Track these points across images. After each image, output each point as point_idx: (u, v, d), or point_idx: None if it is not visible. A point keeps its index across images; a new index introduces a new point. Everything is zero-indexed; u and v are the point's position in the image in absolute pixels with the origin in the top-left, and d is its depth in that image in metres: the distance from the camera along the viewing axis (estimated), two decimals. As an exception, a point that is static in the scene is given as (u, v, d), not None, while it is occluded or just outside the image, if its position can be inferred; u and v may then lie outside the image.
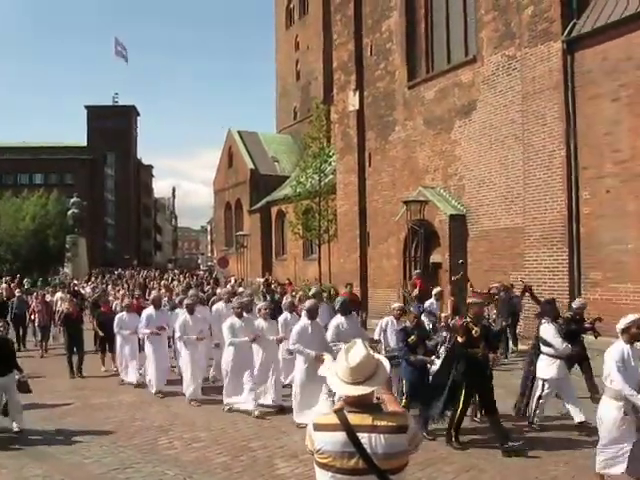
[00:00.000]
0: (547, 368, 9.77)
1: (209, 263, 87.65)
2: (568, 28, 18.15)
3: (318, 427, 3.50)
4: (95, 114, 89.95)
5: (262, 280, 32.07)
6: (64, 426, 10.41)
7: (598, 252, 17.70)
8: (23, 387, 10.30)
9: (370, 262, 27.60)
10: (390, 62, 26.25)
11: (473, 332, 9.01)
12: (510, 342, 17.16)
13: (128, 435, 9.92)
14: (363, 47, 27.94)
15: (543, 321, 10.15)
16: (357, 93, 27.99)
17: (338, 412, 3.47)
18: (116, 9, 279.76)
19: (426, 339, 10.31)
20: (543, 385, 9.84)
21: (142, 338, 14.37)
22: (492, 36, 21.14)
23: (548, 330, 9.88)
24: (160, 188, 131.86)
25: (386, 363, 3.67)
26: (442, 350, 10.54)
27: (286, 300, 14.91)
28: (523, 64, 19.56)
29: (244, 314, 11.88)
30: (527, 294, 14.09)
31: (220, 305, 15.14)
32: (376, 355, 3.65)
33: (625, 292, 16.83)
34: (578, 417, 9.51)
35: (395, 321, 11.84)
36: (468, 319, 9.23)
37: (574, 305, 12.21)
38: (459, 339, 9.19)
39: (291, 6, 57.09)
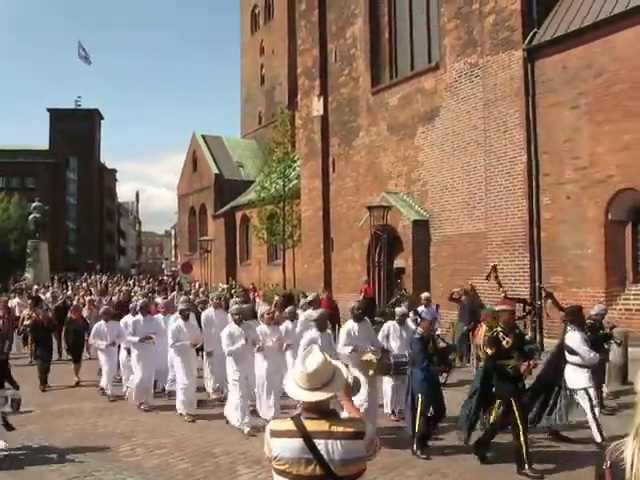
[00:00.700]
0: (577, 378, 9.25)
1: (173, 268, 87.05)
2: (529, 37, 18.44)
3: (275, 433, 3.47)
4: (58, 117, 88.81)
5: (226, 286, 31.94)
6: (24, 434, 10.19)
7: (558, 257, 17.97)
8: (14, 406, 9.33)
9: (334, 267, 27.70)
10: (354, 68, 26.41)
11: (504, 342, 8.39)
12: (472, 347, 17.30)
13: (89, 442, 9.77)
14: (327, 53, 28.09)
15: (569, 328, 9.66)
16: (321, 99, 28.11)
17: (295, 418, 3.45)
18: (80, 11, 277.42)
19: (439, 347, 9.88)
20: (587, 394, 9.14)
21: (128, 347, 13.21)
22: (455, 44, 21.37)
23: (574, 338, 9.40)
24: (124, 192, 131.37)
25: (344, 370, 3.66)
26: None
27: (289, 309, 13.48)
28: (485, 72, 19.81)
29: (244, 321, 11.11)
30: (550, 300, 13.56)
31: (210, 311, 14.19)
32: (334, 362, 3.65)
33: (585, 296, 17.08)
34: (597, 437, 8.81)
35: (398, 326, 11.32)
36: (498, 329, 8.59)
37: (592, 312, 11.65)
38: (488, 351, 8.59)
39: (256, 11, 57.03)
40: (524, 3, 18.57)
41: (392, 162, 24.34)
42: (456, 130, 21.36)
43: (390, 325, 11.44)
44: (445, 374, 9.36)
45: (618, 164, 16.35)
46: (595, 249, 17.05)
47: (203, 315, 14.01)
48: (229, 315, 12.18)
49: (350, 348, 9.71)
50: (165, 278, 57.46)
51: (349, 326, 10.11)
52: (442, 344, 11.96)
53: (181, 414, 11.37)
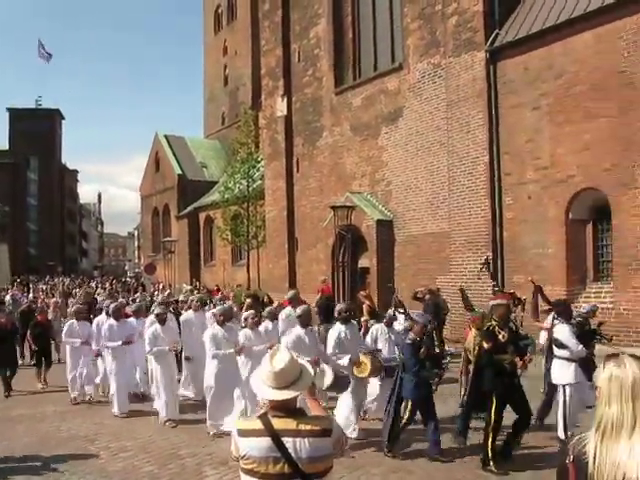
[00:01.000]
0: (562, 374, 9.07)
1: (136, 270, 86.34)
2: (491, 38, 18.62)
3: (242, 433, 3.48)
4: (17, 117, 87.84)
5: (190, 287, 31.75)
6: (-17, 441, 10.05)
7: (520, 256, 18.17)
8: None
9: (299, 267, 27.69)
10: (318, 68, 26.43)
11: (500, 336, 8.25)
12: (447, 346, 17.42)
13: (52, 446, 9.64)
14: (291, 53, 28.08)
15: (556, 322, 9.60)
16: (285, 99, 28.09)
17: (262, 417, 3.47)
18: (42, 11, 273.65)
19: (433, 350, 9.65)
20: (564, 391, 9.00)
21: (101, 352, 12.88)
22: (418, 44, 21.50)
23: (563, 331, 9.17)
24: (86, 193, 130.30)
25: (310, 369, 3.69)
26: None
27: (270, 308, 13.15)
28: (448, 72, 19.95)
29: (226, 323, 10.66)
30: (539, 294, 13.41)
31: (190, 314, 13.60)
32: (300, 361, 3.68)
33: (547, 294, 17.27)
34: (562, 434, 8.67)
35: (386, 328, 11.27)
36: (494, 322, 8.43)
37: (583, 310, 11.50)
38: (485, 345, 8.38)
39: (219, 11, 56.69)
40: (486, 5, 18.74)
41: (356, 162, 24.41)
42: (419, 130, 21.50)
43: (378, 327, 11.35)
44: (437, 379, 9.21)
45: (578, 164, 16.59)
46: (556, 248, 17.28)
47: (183, 318, 13.59)
48: (208, 317, 12.21)
49: (347, 358, 9.52)
50: (128, 280, 57.02)
51: (338, 329, 9.84)
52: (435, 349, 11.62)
53: (166, 420, 10.92)
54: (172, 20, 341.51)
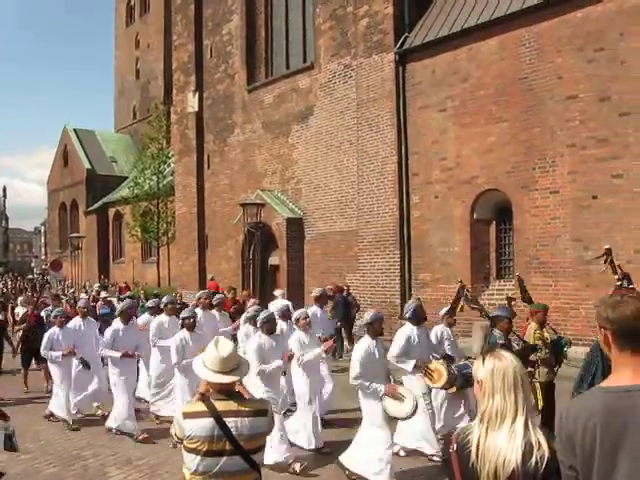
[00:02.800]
0: None
1: (43, 266, 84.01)
2: (400, 41, 18.93)
3: (187, 415, 3.81)
4: None
5: (97, 285, 31.03)
6: None
7: (427, 254, 18.59)
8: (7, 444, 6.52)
9: (209, 265, 27.53)
10: (230, 65, 26.32)
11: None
12: (345, 342, 17.63)
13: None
14: (203, 49, 27.87)
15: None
16: (196, 95, 27.86)
17: (205, 400, 3.83)
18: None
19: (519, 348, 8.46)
20: None
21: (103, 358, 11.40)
22: (329, 44, 21.69)
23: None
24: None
25: (246, 358, 4.36)
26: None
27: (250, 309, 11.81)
28: (358, 73, 20.20)
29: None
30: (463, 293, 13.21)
31: (163, 318, 11.48)
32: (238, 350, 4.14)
33: (452, 292, 17.71)
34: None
35: (449, 330, 9.97)
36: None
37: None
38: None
39: (132, 3, 55.73)
40: (397, 8, 19.04)
41: (267, 160, 24.45)
42: (330, 129, 21.69)
43: (441, 329, 9.95)
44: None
45: (482, 166, 17.09)
46: (461, 247, 17.75)
47: (155, 323, 11.47)
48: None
49: (412, 363, 8.47)
50: (34, 277, 55.38)
51: (408, 332, 8.72)
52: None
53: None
54: (83, 10, 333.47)
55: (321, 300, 12.47)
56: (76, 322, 12.12)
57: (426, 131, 18.49)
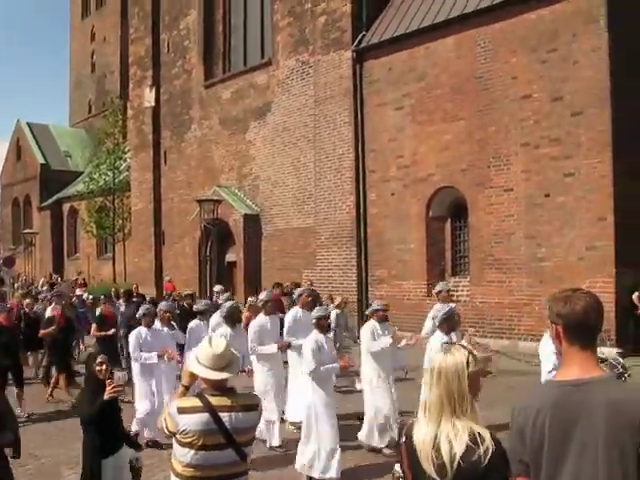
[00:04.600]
0: None
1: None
2: (358, 39, 19.02)
3: (182, 410, 3.84)
4: None
5: (43, 279, 30.59)
6: None
7: (384, 251, 18.73)
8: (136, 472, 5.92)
9: (166, 261, 27.36)
10: (187, 60, 26.18)
11: None
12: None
13: None
14: (161, 43, 27.65)
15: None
16: (153, 90, 27.64)
17: (200, 396, 3.90)
18: None
19: None
20: None
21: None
22: (287, 41, 21.70)
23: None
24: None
25: (238, 355, 4.25)
26: None
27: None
28: (316, 70, 20.26)
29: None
30: None
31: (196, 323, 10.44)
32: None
33: (407, 288, 17.97)
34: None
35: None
36: None
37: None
38: None
39: (88, -6, 54.80)
40: (354, 6, 19.12)
41: (224, 156, 24.37)
42: (287, 126, 21.71)
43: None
44: None
45: (438, 163, 17.27)
46: (417, 243, 17.92)
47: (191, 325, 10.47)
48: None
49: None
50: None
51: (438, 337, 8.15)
52: None
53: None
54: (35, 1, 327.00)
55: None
56: None
57: (383, 129, 18.60)
